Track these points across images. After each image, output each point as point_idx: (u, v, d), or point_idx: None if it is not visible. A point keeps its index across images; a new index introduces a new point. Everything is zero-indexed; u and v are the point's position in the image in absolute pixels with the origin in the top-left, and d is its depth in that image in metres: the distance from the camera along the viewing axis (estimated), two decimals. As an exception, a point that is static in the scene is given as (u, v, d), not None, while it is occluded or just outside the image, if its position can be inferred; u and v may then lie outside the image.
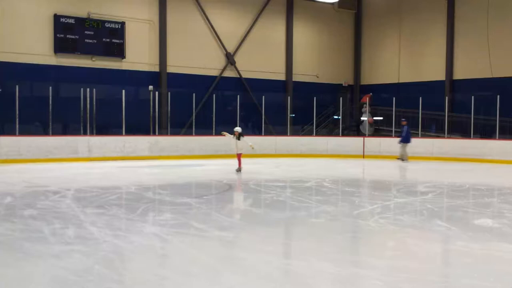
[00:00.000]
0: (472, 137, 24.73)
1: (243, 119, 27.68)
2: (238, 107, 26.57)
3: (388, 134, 27.72)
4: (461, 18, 28.23)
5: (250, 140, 18.39)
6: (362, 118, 30.73)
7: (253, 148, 17.70)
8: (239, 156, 18.01)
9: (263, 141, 26.20)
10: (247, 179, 16.21)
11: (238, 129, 18.14)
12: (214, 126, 25.84)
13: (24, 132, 21.93)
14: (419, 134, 26.03)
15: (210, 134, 25.64)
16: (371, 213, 10.35)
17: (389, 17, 31.92)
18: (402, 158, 23.26)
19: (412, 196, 13.03)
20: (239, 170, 17.78)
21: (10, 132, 22.03)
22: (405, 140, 23.18)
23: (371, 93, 30.71)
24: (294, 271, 6.62)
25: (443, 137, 25.67)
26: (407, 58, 31.00)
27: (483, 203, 12.05)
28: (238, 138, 17.80)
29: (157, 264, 6.89)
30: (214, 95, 26.83)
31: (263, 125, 27.80)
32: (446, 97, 26.38)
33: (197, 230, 8.64)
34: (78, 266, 6.45)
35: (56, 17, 23.97)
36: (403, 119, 23.96)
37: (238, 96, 26.79)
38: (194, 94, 26.05)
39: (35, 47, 23.70)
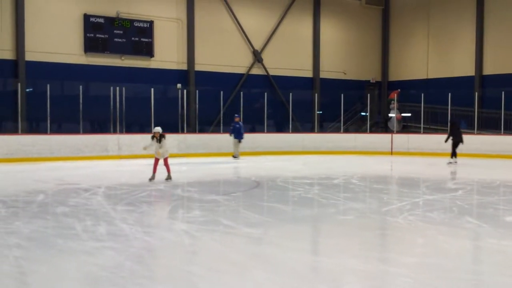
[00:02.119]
0: (502, 133, 24.38)
1: (270, 116, 27.70)
2: (265, 105, 26.61)
3: (416, 131, 27.46)
4: (490, 12, 27.82)
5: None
6: (390, 115, 30.50)
7: (161, 154, 14.62)
8: (165, 161, 14.56)
9: (290, 138, 26.25)
10: (275, 176, 16.24)
11: (158, 129, 14.62)
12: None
13: (55, 130, 22.31)
14: (448, 130, 25.69)
15: (238, 131, 25.75)
16: (400, 210, 10.29)
17: (417, 12, 31.60)
18: (234, 155, 22.64)
19: (442, 193, 12.91)
20: (169, 177, 14.52)
21: (42, 130, 22.43)
22: (239, 136, 22.54)
23: (399, 89, 30.46)
24: (323, 268, 6.63)
25: (473, 133, 25.34)
26: (435, 53, 30.66)
27: (514, 200, 11.89)
28: (159, 141, 14.45)
29: (187, 261, 6.96)
30: (241, 93, 26.90)
31: (290, 122, 27.78)
32: (476, 93, 26.03)
33: (225, 227, 8.70)
34: (110, 263, 6.56)
35: (86, 17, 24.29)
36: (236, 115, 23.13)
37: (265, 93, 26.82)
38: (221, 92, 26.16)
39: (66, 47, 24.05)
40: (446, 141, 20.77)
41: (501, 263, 6.77)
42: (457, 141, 20.59)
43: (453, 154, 20.63)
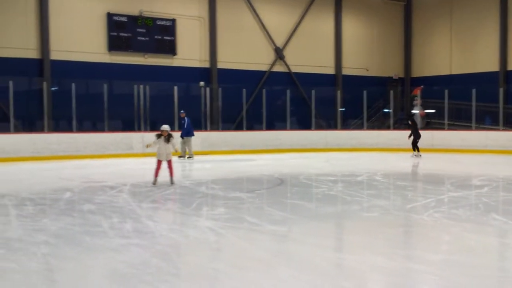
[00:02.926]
0: (528, 129, 24.05)
1: (293, 114, 27.69)
2: (287, 102, 26.60)
3: (440, 127, 27.22)
4: (515, 6, 27.44)
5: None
6: (413, 111, 30.26)
7: (177, 151, 14.22)
8: (170, 163, 13.20)
9: (313, 136, 26.21)
10: (298, 173, 16.24)
11: (167, 127, 13.30)
12: (264, 121, 25.98)
13: (80, 128, 22.58)
14: (473, 126, 25.47)
15: (260, 129, 25.78)
16: (424, 207, 10.23)
17: (439, 8, 31.29)
18: (184, 154, 20.82)
19: (467, 190, 12.80)
20: (173, 182, 13.24)
21: (67, 129, 22.72)
22: (187, 133, 20.89)
23: (422, 86, 30.21)
24: (347, 265, 6.64)
25: (498, 129, 25.03)
26: (458, 49, 30.35)
27: (541, 197, 11.75)
28: (168, 140, 13.10)
29: (212, 258, 7.02)
30: (263, 90, 26.92)
31: (312, 120, 27.74)
32: (501, 89, 25.71)
33: (250, 224, 8.74)
34: (136, 260, 6.64)
35: (109, 16, 24.52)
36: (182, 111, 21.47)
37: (288, 90, 26.81)
38: (244, 89, 26.22)
39: (90, 46, 24.31)
40: (409, 137, 22.32)
41: (528, 260, 6.72)
42: (416, 137, 22.24)
43: (416, 148, 22.25)
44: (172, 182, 13.12)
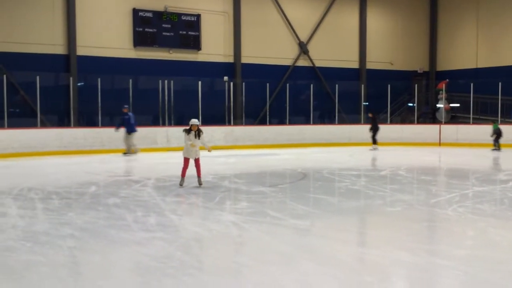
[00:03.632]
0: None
1: (316, 108, 27.62)
2: (311, 96, 26.54)
3: (465, 121, 26.91)
4: (544, -1, 26.97)
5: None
6: (438, 105, 29.97)
7: (210, 151, 12.56)
8: (198, 162, 12.08)
9: (337, 130, 26.13)
10: (321, 167, 16.22)
11: (196, 121, 12.05)
12: (287, 115, 25.96)
13: (106, 123, 22.82)
14: (499, 120, 25.12)
15: (284, 123, 25.78)
16: (449, 202, 10.15)
17: (465, 0, 30.87)
18: (129, 151, 20.12)
19: (492, 184, 12.67)
20: (200, 183, 12.11)
21: (93, 124, 22.99)
22: (130, 128, 20.15)
23: (447, 80, 29.88)
24: (370, 259, 6.63)
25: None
26: (485, 42, 29.93)
27: None
28: (198, 136, 11.97)
29: (235, 251, 7.07)
30: (287, 85, 26.89)
31: (336, 114, 27.64)
32: (527, 82, 25.31)
33: (273, 218, 8.77)
34: (160, 253, 6.71)
35: (135, 11, 24.70)
36: (125, 106, 20.66)
37: (311, 85, 26.75)
38: (267, 84, 26.22)
39: (116, 41, 24.52)
40: (370, 130, 23.24)
41: (554, 256, 6.64)
42: (375, 130, 23.13)
43: (375, 142, 23.05)
44: (200, 183, 12.05)
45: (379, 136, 23.20)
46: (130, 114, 20.42)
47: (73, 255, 6.79)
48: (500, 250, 6.91)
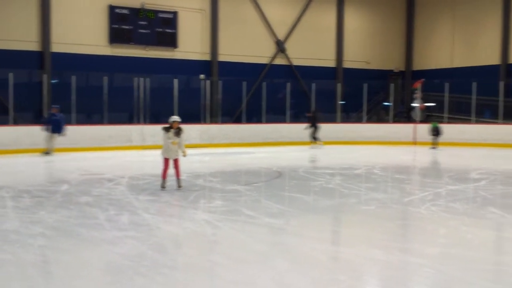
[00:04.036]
0: (528, 123, 24.00)
1: (293, 107, 27.64)
2: (287, 95, 26.56)
3: (440, 120, 27.17)
4: (517, 0, 27.33)
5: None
6: (413, 104, 30.19)
7: (185, 155, 11.34)
8: (177, 162, 11.27)
9: (313, 129, 26.14)
10: (296, 166, 16.23)
11: (177, 118, 11.38)
12: (264, 114, 25.95)
13: (79, 121, 22.55)
14: (473, 120, 25.44)
15: (260, 122, 25.75)
16: (422, 201, 10.23)
17: (442, 1, 31.17)
18: (48, 151, 19.13)
19: (465, 183, 12.80)
20: (180, 185, 11.33)
21: (67, 121, 22.67)
22: (58, 129, 19.24)
23: (423, 79, 30.13)
24: (344, 258, 6.64)
25: (497, 123, 25.00)
26: (460, 42, 30.25)
27: (540, 191, 11.74)
28: (178, 134, 11.18)
29: (209, 250, 7.02)
30: (264, 83, 26.86)
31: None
32: (501, 82, 25.63)
33: (247, 217, 8.74)
34: (132, 252, 6.64)
35: (111, 8, 24.43)
36: (55, 106, 19.75)
37: (288, 83, 26.76)
38: (244, 82, 26.17)
39: (91, 38, 24.25)
40: (310, 128, 23.28)
41: (525, 254, 6.72)
42: (316, 128, 23.27)
43: (317, 139, 23.15)
44: (180, 185, 11.32)
45: (321, 134, 23.37)
46: (60, 114, 19.54)
47: (44, 254, 6.69)
48: (472, 248, 6.97)
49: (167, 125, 11.38)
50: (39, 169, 15.61)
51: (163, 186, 11.30)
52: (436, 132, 23.28)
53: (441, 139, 23.13)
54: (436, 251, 6.78)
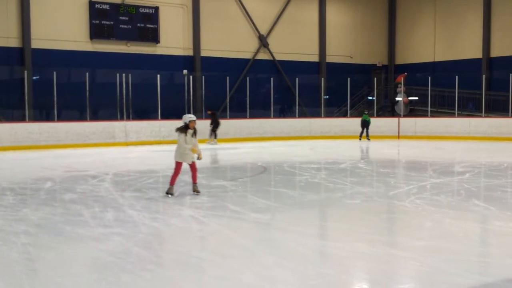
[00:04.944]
0: (510, 116, 24.24)
1: (277, 102, 27.64)
2: (271, 90, 26.55)
3: (424, 114, 27.34)
4: (498, -6, 27.56)
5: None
6: (397, 98, 30.36)
7: (200, 158, 10.21)
8: (194, 165, 10.22)
9: (297, 123, 26.21)
10: (282, 161, 16.24)
11: (194, 117, 10.13)
12: (248, 109, 25.91)
13: (62, 118, 22.37)
14: (456, 113, 25.64)
15: (244, 117, 25.72)
16: (407, 194, 10.28)
17: (424, -5, 31.36)
18: None
19: (449, 176, 12.89)
20: (197, 190, 10.28)
21: (49, 118, 22.50)
22: None
23: (406, 73, 30.30)
24: (330, 252, 6.65)
25: (480, 116, 25.22)
26: (442, 36, 30.44)
27: (522, 183, 11.86)
28: (194, 134, 10.09)
29: (194, 246, 6.99)
30: (247, 78, 26.84)
31: (297, 107, 27.73)
32: (483, 75, 25.84)
33: (233, 212, 8.72)
34: (117, 249, 6.59)
35: (91, 3, 24.24)
36: None
37: (272, 78, 26.75)
38: (227, 78, 26.12)
39: (71, 34, 24.04)
40: (210, 125, 22.77)
41: (508, 245, 6.77)
42: (216, 125, 22.76)
43: (214, 135, 22.73)
44: (196, 191, 10.25)
45: (219, 131, 23.01)
46: None
47: (27, 251, 6.61)
48: (456, 240, 7.01)
49: (181, 125, 9.99)
50: (22, 167, 15.44)
51: (171, 193, 9.99)
52: (365, 125, 24.16)
53: (370, 131, 24.24)
54: (421, 244, 6.81)
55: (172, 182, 10.06)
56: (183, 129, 9.89)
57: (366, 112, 25.39)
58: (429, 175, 13.19)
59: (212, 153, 19.08)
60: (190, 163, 10.09)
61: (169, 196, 9.94)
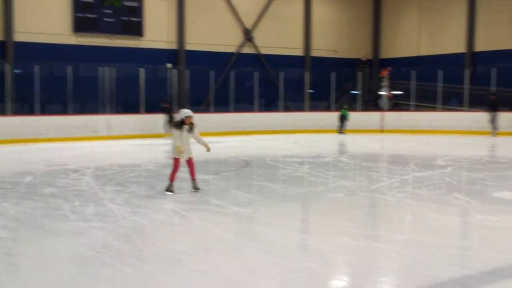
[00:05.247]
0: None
1: (261, 96, 27.59)
2: (255, 84, 26.49)
3: (407, 108, 27.46)
4: (482, -11, 27.71)
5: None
6: (381, 93, 30.43)
7: (209, 150, 10.19)
8: (192, 161, 9.98)
9: (281, 117, 26.22)
10: (265, 155, 16.23)
11: (190, 112, 9.86)
12: (232, 103, 25.85)
13: (44, 112, 22.15)
14: (439, 108, 25.77)
15: (229, 111, 25.66)
16: (389, 188, 10.31)
17: (408, -11, 31.45)
18: None
19: (431, 170, 12.95)
20: (197, 187, 9.98)
21: (31, 112, 22.26)
22: None
23: (390, 67, 30.36)
24: (312, 245, 6.65)
25: (464, 110, 25.37)
26: (427, 30, 30.56)
27: (502, 176, 11.95)
28: (191, 130, 9.83)
29: (176, 240, 6.95)
30: (232, 72, 26.75)
31: (281, 101, 27.70)
32: (467, 70, 25.99)
33: (215, 206, 8.69)
34: (98, 243, 6.54)
35: (75, -4, 24.01)
36: None
37: (256, 72, 26.69)
38: (212, 72, 26.01)
39: (54, 27, 23.77)
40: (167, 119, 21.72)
41: (489, 238, 6.81)
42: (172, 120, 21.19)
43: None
44: (196, 187, 9.97)
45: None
46: None
47: (7, 246, 6.54)
48: (437, 234, 7.04)
49: (177, 121, 9.81)
50: (3, 160, 15.27)
51: (171, 190, 9.71)
52: (343, 119, 24.58)
53: (347, 126, 24.68)
54: (402, 237, 6.84)
55: (172, 178, 9.79)
56: (179, 125, 9.67)
57: (345, 107, 25.58)
58: (412, 169, 13.25)
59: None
60: (187, 159, 9.84)
61: (169, 193, 9.62)
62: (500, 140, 21.31)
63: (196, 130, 9.89)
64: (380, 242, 6.74)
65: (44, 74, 22.65)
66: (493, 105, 22.76)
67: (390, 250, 6.25)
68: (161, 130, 21.93)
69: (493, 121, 22.67)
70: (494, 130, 22.63)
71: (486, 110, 23.13)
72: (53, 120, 21.31)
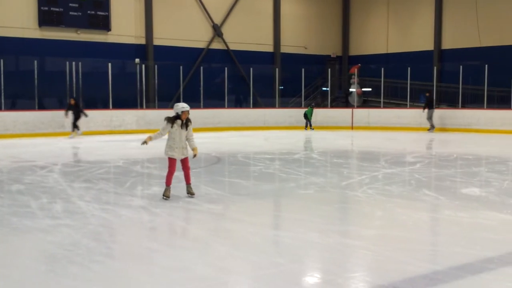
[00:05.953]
0: (460, 107, 24.80)
1: (231, 92, 27.54)
2: (225, 80, 26.42)
3: (377, 105, 27.72)
4: (449, -13, 28.10)
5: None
6: (350, 90, 30.68)
7: (196, 155, 8.94)
8: (187, 162, 8.96)
9: (252, 114, 26.20)
10: (236, 151, 16.19)
11: (186, 107, 8.77)
12: (202, 99, 25.73)
13: (9, 107, 21.73)
14: (408, 104, 26.07)
15: (198, 107, 25.54)
16: (359, 184, 10.38)
17: (377, -14, 31.71)
18: None
19: (400, 166, 13.08)
20: (191, 192, 8.98)
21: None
22: None
23: (359, 64, 30.63)
24: (283, 242, 6.63)
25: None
26: (395, 28, 30.88)
27: (471, 173, 12.13)
28: (186, 126, 8.82)
29: (146, 237, 6.86)
30: (201, 68, 26.65)
31: (251, 98, 27.69)
32: (435, 67, 26.35)
33: (186, 203, 8.61)
34: (66, 240, 6.43)
35: (40, -10, 23.58)
36: None
37: (226, 68, 26.63)
38: (181, 67, 25.86)
39: (19, 21, 23.34)
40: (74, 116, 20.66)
41: (457, 234, 6.88)
42: (77, 118, 20.66)
43: (76, 128, 20.62)
44: (191, 192, 8.99)
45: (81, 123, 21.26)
46: None
47: (-29, 245, 6.38)
48: (406, 229, 7.10)
49: (171, 116, 8.75)
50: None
51: (167, 196, 8.75)
52: (306, 117, 25.08)
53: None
54: (372, 233, 6.87)
55: (168, 182, 8.83)
56: (171, 120, 8.63)
57: (312, 105, 25.88)
58: (381, 165, 13.35)
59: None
60: (181, 158, 8.83)
61: (165, 198, 8.71)
62: (468, 136, 21.64)
63: (191, 129, 8.90)
64: (351, 238, 6.77)
65: (9, 68, 22.26)
66: (429, 102, 23.24)
67: (360, 246, 6.28)
68: (131, 126, 21.71)
69: (430, 118, 23.18)
70: (431, 127, 23.17)
71: (422, 108, 23.68)
72: (19, 116, 20.95)
